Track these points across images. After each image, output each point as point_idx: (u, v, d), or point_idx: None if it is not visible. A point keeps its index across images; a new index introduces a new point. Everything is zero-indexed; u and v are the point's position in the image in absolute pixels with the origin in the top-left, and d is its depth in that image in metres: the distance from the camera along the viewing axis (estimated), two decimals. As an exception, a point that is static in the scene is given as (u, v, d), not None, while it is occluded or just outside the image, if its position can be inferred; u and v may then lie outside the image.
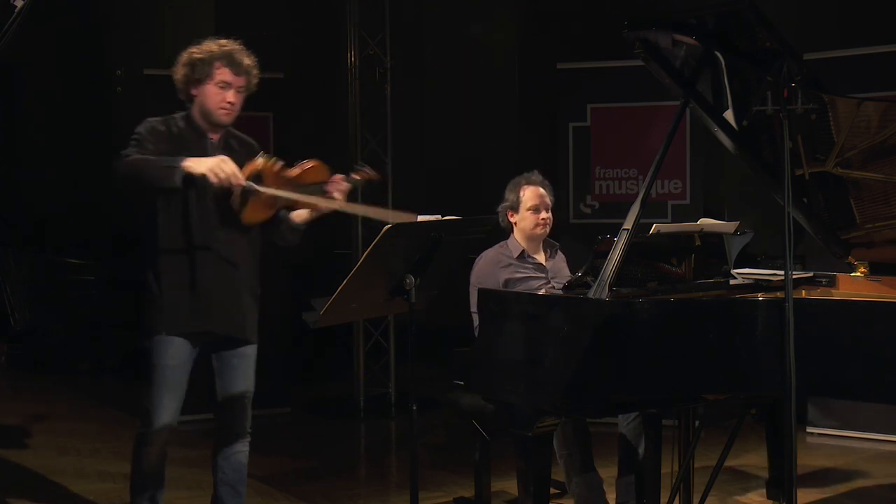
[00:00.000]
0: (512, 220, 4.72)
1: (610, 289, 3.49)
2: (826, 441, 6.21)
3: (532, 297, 3.88)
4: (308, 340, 8.50)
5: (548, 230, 4.74)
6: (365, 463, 6.38)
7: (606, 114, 6.80)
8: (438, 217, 3.65)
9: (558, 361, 3.49)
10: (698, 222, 4.16)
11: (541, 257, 4.76)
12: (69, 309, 8.59)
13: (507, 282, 4.63)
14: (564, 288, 3.83)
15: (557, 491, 4.82)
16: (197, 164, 3.64)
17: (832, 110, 3.77)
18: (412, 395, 3.62)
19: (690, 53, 3.86)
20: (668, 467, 4.17)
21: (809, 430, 6.31)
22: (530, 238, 4.71)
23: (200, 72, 3.86)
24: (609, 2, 7.91)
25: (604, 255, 3.60)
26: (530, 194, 4.68)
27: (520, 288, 4.58)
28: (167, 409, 3.91)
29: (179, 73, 3.92)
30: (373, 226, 7.24)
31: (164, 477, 4.13)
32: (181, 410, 3.98)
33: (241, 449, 4.09)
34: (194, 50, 3.89)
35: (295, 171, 3.85)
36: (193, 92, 3.90)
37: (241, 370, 4.03)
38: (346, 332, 7.58)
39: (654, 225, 3.82)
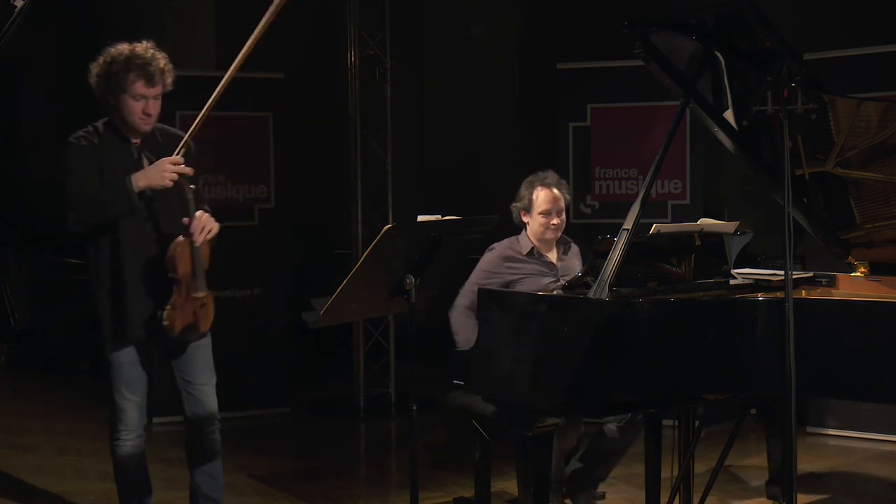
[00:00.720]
0: (524, 220, 4.70)
1: (610, 289, 3.49)
2: (826, 441, 6.21)
3: (532, 297, 3.87)
4: (308, 340, 8.50)
5: (559, 233, 4.71)
6: (365, 463, 6.38)
7: (606, 114, 6.80)
8: (438, 217, 3.65)
9: (558, 361, 3.49)
10: (698, 222, 4.16)
11: (552, 255, 4.74)
12: (69, 309, 8.58)
13: (510, 283, 4.62)
14: (564, 288, 3.83)
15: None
16: (149, 180, 3.79)
17: (832, 110, 3.77)
18: (412, 395, 3.62)
19: (690, 53, 3.86)
20: (668, 467, 4.16)
21: (809, 430, 6.31)
22: (541, 239, 4.71)
23: (115, 84, 3.85)
24: (609, 2, 7.91)
25: (604, 255, 3.60)
26: (543, 198, 4.64)
27: (524, 288, 4.58)
28: (130, 404, 4.02)
29: (93, 82, 3.91)
30: (373, 226, 7.25)
31: (148, 482, 4.20)
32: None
33: (213, 436, 4.13)
34: (106, 58, 3.87)
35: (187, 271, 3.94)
36: (111, 100, 3.90)
37: (197, 359, 4.10)
38: (346, 332, 7.58)
39: (654, 225, 3.82)
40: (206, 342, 4.14)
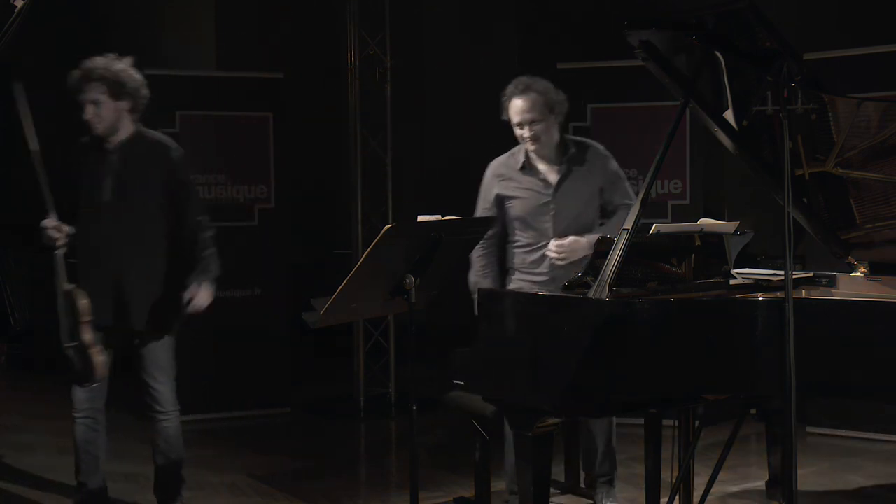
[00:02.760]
0: None
1: (610, 289, 3.49)
2: (826, 441, 6.20)
3: (532, 297, 3.88)
4: (308, 340, 8.49)
5: (537, 144, 4.47)
6: (365, 463, 6.38)
7: (606, 114, 6.80)
8: (438, 217, 3.65)
9: (558, 361, 3.49)
10: (698, 222, 4.16)
11: (547, 169, 4.55)
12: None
13: (497, 196, 4.59)
14: (564, 288, 3.83)
15: (557, 491, 4.82)
16: None
17: (832, 110, 3.77)
18: (412, 395, 3.62)
19: (690, 53, 3.86)
20: (668, 467, 4.16)
21: (809, 429, 6.30)
22: (531, 151, 4.52)
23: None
24: (609, 2, 7.91)
25: (604, 255, 3.60)
26: (511, 112, 4.49)
27: (515, 207, 4.54)
28: (81, 390, 4.56)
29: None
30: (373, 226, 7.24)
31: (97, 465, 4.54)
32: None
33: (167, 424, 4.50)
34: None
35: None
36: None
37: (146, 362, 4.46)
38: (346, 332, 7.58)
39: (654, 225, 3.82)
40: (154, 347, 4.46)
